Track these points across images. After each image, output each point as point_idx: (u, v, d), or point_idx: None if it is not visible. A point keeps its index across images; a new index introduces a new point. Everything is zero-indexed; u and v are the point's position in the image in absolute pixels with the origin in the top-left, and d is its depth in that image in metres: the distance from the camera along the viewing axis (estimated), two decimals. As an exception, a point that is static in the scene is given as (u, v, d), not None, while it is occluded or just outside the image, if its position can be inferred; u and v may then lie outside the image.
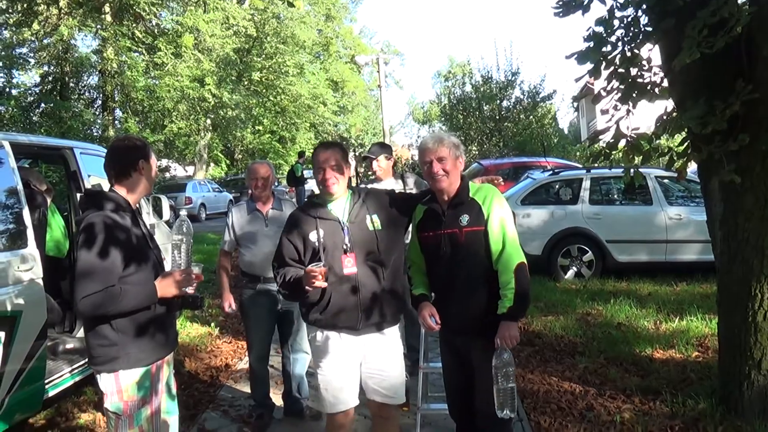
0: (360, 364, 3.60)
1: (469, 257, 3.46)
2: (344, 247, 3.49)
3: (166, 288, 3.04)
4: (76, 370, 5.03)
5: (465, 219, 3.46)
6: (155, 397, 3.14)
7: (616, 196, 11.05)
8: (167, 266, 3.22)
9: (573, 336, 7.08)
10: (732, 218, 4.68)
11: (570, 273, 10.35)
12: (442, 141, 3.52)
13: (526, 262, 3.39)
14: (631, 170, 5.16)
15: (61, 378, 4.88)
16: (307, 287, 3.33)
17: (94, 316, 2.94)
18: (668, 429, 4.64)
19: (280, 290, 3.63)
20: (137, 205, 3.26)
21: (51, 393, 4.72)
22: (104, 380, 3.07)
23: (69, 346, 5.30)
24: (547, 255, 10.30)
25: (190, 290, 3.11)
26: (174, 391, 3.42)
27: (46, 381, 4.59)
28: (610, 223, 10.27)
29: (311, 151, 36.26)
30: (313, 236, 3.50)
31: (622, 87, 5.09)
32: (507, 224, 3.43)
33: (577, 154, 26.08)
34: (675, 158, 4.88)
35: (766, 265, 4.48)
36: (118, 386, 3.04)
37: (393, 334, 3.69)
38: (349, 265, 3.47)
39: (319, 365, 3.59)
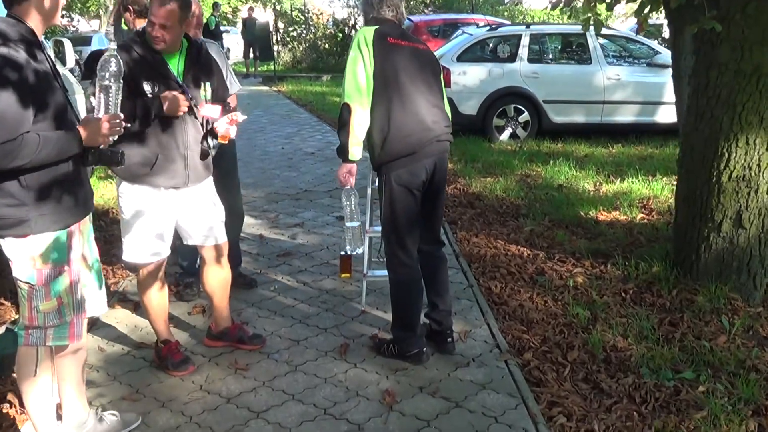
0: (176, 216, 3.49)
1: None
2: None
3: (92, 135, 2.51)
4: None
5: None
6: (73, 265, 2.67)
7: (555, 55, 10.63)
8: (83, 112, 2.65)
9: (514, 198, 6.84)
10: (704, 72, 4.34)
11: (505, 134, 10.02)
12: None
13: (348, 103, 3.35)
14: (591, 20, 4.70)
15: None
16: (170, 113, 3.19)
17: (7, 169, 2.38)
18: (622, 293, 4.48)
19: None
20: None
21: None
22: (10, 245, 2.55)
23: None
24: (483, 115, 9.90)
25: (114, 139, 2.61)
26: (96, 261, 2.93)
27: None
28: (548, 83, 9.87)
29: (227, 3, 33.90)
30: (147, 87, 3.21)
31: None
32: (345, 67, 3.40)
33: (506, 13, 25.36)
34: (645, 3, 4.44)
35: (737, 123, 4.20)
36: (28, 252, 2.54)
37: (209, 182, 3.58)
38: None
39: (131, 220, 3.37)
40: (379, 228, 4.58)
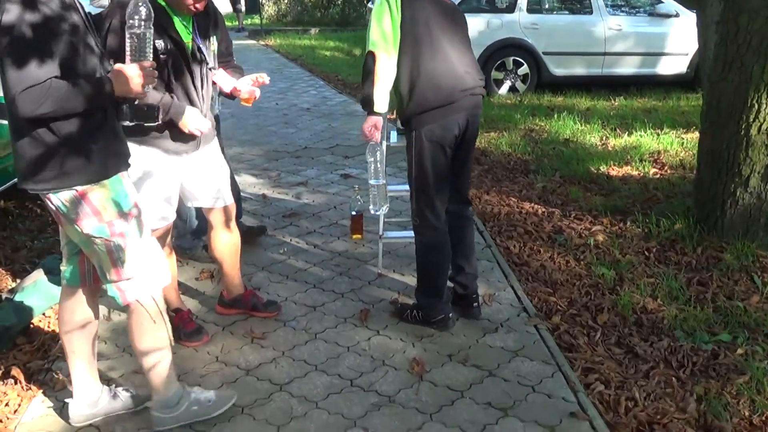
0: (183, 178, 3.22)
1: None
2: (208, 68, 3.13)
3: (125, 83, 2.28)
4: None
5: None
6: (140, 208, 2.49)
7: (555, 4, 10.32)
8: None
9: (521, 153, 6.64)
10: (732, 19, 4.12)
11: (504, 87, 9.77)
12: None
13: (373, 51, 3.14)
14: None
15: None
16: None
17: (35, 116, 2.15)
18: (645, 251, 4.32)
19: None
20: None
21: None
22: (66, 201, 2.34)
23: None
24: (481, 68, 9.60)
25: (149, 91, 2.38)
26: None
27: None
28: (548, 34, 9.59)
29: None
30: (158, 44, 2.87)
31: None
32: (371, 20, 3.20)
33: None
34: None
35: (768, 72, 4.01)
36: (91, 206, 2.35)
37: (215, 143, 3.35)
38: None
39: (138, 183, 3.05)
40: (396, 187, 4.41)
